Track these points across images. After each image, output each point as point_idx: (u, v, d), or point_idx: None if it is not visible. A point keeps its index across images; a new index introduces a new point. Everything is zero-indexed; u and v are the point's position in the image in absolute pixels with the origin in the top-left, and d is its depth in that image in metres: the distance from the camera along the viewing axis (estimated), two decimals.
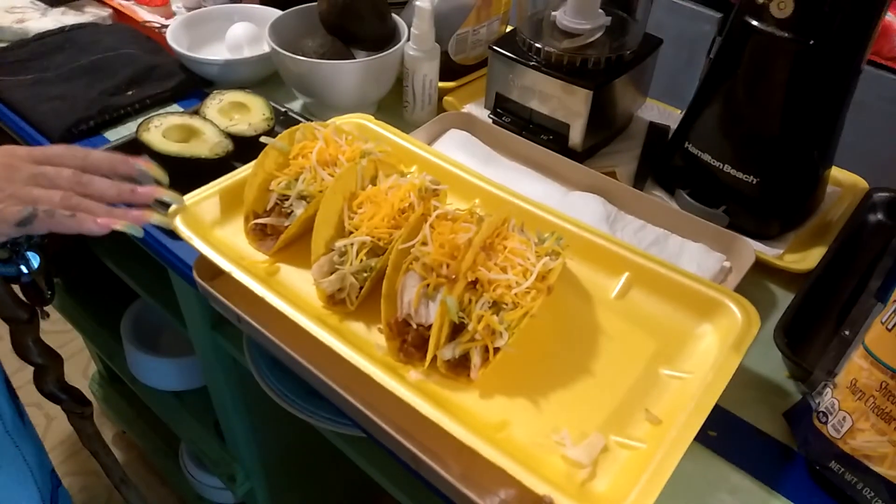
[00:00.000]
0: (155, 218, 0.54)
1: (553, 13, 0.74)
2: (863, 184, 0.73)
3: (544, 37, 0.73)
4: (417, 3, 0.74)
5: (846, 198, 0.72)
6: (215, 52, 0.88)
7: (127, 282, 0.94)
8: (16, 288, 0.82)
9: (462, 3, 0.81)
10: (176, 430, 1.08)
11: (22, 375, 0.93)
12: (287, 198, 0.56)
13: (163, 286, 0.89)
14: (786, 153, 0.64)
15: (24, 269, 0.81)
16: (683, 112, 0.71)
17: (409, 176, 0.59)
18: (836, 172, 0.73)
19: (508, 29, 0.87)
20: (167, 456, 1.29)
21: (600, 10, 0.72)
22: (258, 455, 0.96)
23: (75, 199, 0.52)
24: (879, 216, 0.70)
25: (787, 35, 0.58)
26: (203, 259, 0.55)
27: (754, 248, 0.61)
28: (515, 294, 0.47)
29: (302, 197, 0.56)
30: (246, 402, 0.88)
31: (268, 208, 0.57)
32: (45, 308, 0.88)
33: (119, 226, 0.53)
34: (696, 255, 0.62)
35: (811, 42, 0.57)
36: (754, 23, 0.59)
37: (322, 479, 1.16)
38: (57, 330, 1.60)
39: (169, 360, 1.03)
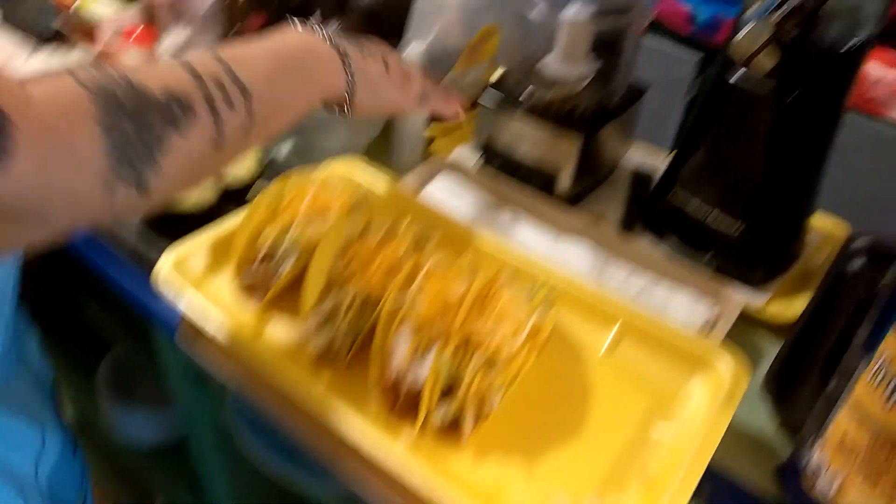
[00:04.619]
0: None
1: (541, 60, 0.75)
2: (843, 229, 0.74)
3: (532, 83, 0.74)
4: (411, 47, 0.74)
5: (828, 243, 0.73)
6: None
7: (104, 334, 0.92)
8: None
9: (451, 49, 0.82)
10: (150, 486, 1.04)
11: None
12: (277, 251, 0.56)
13: (141, 335, 0.88)
14: (770, 200, 0.65)
15: None
16: (668, 156, 0.72)
17: (401, 225, 0.59)
18: (817, 218, 0.75)
19: (497, 74, 0.88)
20: None
21: (587, 58, 0.74)
22: None
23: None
24: (859, 264, 0.71)
25: (768, 90, 0.59)
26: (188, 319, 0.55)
27: (741, 298, 0.62)
28: (507, 351, 0.47)
29: (291, 250, 0.56)
30: (226, 457, 0.85)
31: (259, 259, 0.57)
32: None
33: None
34: (684, 304, 0.62)
35: (794, 94, 0.59)
36: (733, 79, 0.61)
37: None
38: None
39: (147, 413, 0.99)
